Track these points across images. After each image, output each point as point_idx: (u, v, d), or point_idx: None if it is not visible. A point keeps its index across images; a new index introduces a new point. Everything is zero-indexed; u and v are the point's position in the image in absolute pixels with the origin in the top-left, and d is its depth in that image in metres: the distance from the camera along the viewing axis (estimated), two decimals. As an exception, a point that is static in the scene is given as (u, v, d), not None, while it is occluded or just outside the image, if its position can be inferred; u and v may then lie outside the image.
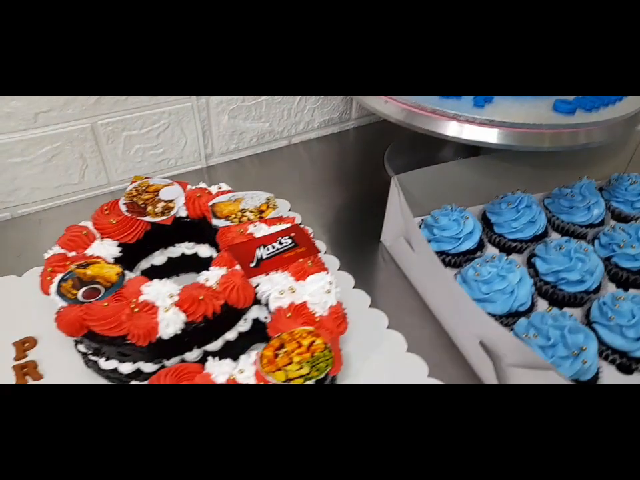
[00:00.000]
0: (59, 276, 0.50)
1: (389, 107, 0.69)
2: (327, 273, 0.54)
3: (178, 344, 0.49)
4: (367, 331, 0.60)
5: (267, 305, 0.53)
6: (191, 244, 0.64)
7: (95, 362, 0.52)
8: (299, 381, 0.43)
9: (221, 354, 0.50)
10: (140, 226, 0.58)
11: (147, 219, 0.58)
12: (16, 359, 0.55)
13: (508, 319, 0.60)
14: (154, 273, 0.60)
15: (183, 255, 0.64)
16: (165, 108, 0.79)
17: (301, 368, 0.44)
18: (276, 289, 0.52)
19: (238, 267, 0.53)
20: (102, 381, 0.54)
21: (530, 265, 0.67)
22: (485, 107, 0.64)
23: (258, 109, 0.88)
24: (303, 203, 0.81)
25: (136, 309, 0.47)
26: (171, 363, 0.51)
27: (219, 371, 0.44)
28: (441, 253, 0.68)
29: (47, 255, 0.53)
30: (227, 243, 0.56)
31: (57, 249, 0.54)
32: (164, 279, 0.51)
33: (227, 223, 0.59)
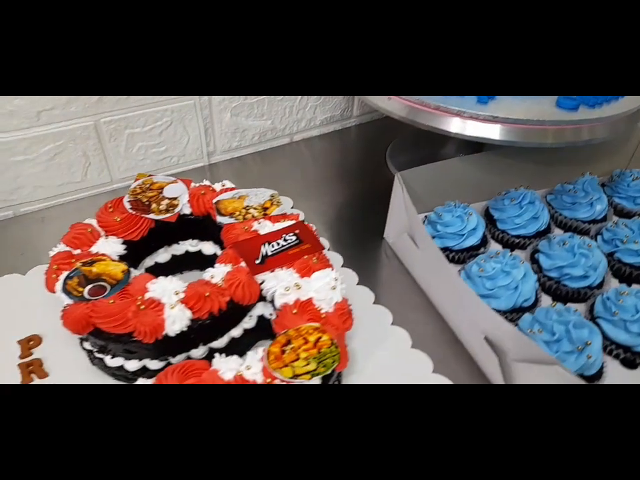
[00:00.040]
0: (65, 273, 0.50)
1: (392, 103, 0.69)
2: (332, 269, 0.54)
3: (184, 341, 0.49)
4: (372, 328, 0.60)
5: (272, 301, 0.53)
6: (195, 241, 0.64)
7: (101, 359, 0.52)
8: (306, 377, 0.43)
9: (226, 351, 0.50)
10: (144, 223, 0.58)
11: (151, 216, 0.58)
12: (21, 357, 0.55)
13: (512, 314, 0.60)
14: (158, 271, 0.60)
15: (186, 252, 0.64)
16: (167, 106, 0.79)
17: (307, 364, 0.44)
18: (281, 285, 0.52)
19: (243, 263, 0.53)
20: (107, 378, 0.54)
21: (533, 260, 0.67)
22: (488, 103, 0.64)
23: (260, 107, 0.88)
24: (304, 200, 0.81)
25: (142, 306, 0.47)
26: (177, 360, 0.51)
27: (226, 367, 0.44)
28: (444, 249, 0.69)
29: (52, 253, 0.53)
30: (232, 240, 0.56)
31: (61, 247, 0.54)
32: (169, 276, 0.51)
33: (232, 220, 0.59)
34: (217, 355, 0.47)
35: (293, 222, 0.59)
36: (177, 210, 0.60)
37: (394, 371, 0.56)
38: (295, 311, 0.49)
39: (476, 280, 0.62)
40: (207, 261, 0.61)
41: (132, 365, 0.51)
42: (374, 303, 0.64)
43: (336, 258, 0.70)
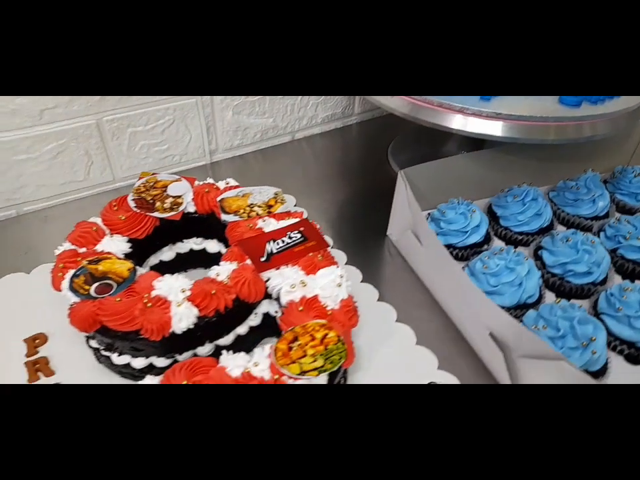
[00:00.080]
0: (71, 272, 0.50)
1: (394, 100, 0.69)
2: (337, 266, 0.54)
3: (190, 338, 0.49)
4: (376, 325, 0.60)
5: (277, 299, 0.53)
6: (199, 239, 0.64)
7: (108, 357, 0.52)
8: (313, 374, 0.43)
9: (232, 348, 0.50)
10: (149, 222, 0.58)
11: (156, 214, 0.58)
12: (27, 355, 0.55)
13: (516, 311, 0.60)
14: (162, 269, 0.59)
15: (191, 250, 0.64)
16: (169, 104, 0.79)
17: (315, 360, 0.44)
18: (287, 282, 0.52)
19: (248, 261, 0.53)
20: (114, 376, 0.54)
21: (537, 257, 0.68)
22: (491, 100, 0.64)
23: (262, 105, 0.88)
24: (306, 198, 0.81)
25: (149, 304, 0.47)
26: (183, 357, 0.51)
27: (234, 364, 0.44)
28: (447, 247, 0.68)
29: (57, 252, 0.53)
30: (237, 238, 0.57)
31: (67, 245, 0.54)
32: (175, 274, 0.51)
33: (236, 218, 0.59)
34: (223, 352, 0.47)
35: (298, 219, 0.59)
36: (181, 208, 0.60)
37: (399, 367, 0.56)
38: (300, 308, 0.49)
39: (480, 277, 0.62)
40: (211, 259, 0.62)
41: (139, 363, 0.51)
42: (378, 300, 0.64)
43: (340, 256, 0.70)
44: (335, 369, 0.44)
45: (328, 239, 0.72)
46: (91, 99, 0.71)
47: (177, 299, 0.48)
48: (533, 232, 0.71)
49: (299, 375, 0.43)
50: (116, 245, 0.55)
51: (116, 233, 0.57)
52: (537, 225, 0.71)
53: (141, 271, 0.52)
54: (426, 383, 0.54)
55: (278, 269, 0.54)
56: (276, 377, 0.43)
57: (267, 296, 0.54)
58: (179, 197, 0.61)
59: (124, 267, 0.51)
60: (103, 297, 0.48)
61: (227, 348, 0.51)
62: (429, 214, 0.72)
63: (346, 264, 0.69)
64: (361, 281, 0.67)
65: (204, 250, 0.64)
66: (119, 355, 0.51)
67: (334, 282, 0.52)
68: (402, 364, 0.57)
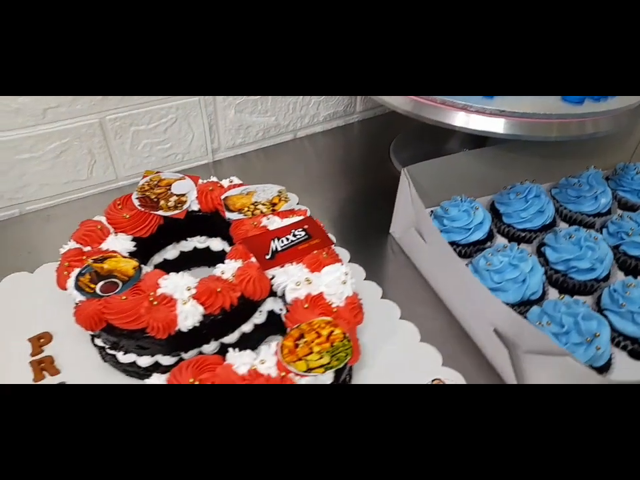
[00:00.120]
0: (76, 270, 0.50)
1: (397, 98, 0.69)
2: (342, 264, 0.54)
3: (196, 336, 0.50)
4: (381, 322, 0.60)
5: (282, 296, 0.53)
6: (203, 238, 0.64)
7: (113, 356, 0.52)
8: (319, 371, 0.43)
9: (237, 346, 0.50)
10: (153, 220, 0.58)
11: (160, 213, 0.59)
12: (32, 354, 0.55)
13: (520, 307, 0.60)
14: (166, 267, 0.59)
15: (195, 248, 0.64)
16: (172, 103, 0.79)
17: (321, 357, 0.44)
18: (292, 280, 0.52)
19: (253, 259, 0.53)
20: (119, 374, 0.54)
21: (540, 254, 0.68)
22: (493, 97, 0.64)
23: (264, 103, 0.88)
24: (308, 196, 0.81)
25: (155, 302, 0.47)
26: (189, 355, 0.51)
27: (240, 362, 0.44)
28: (450, 244, 0.68)
29: (62, 250, 0.53)
30: (241, 236, 0.57)
31: (72, 244, 0.54)
32: (181, 272, 0.52)
33: (240, 216, 0.59)
34: (230, 350, 0.47)
35: (302, 217, 0.59)
36: (185, 206, 0.60)
37: (404, 365, 0.57)
38: (306, 306, 0.49)
39: (483, 273, 0.62)
40: (215, 257, 0.62)
41: (144, 361, 0.51)
42: (381, 297, 0.64)
43: (343, 253, 0.70)
44: (341, 365, 0.44)
45: (331, 237, 0.72)
46: (93, 98, 0.71)
47: (183, 297, 0.48)
48: (535, 229, 0.72)
49: (305, 372, 0.43)
50: (120, 243, 0.55)
51: (120, 232, 0.57)
52: (539, 221, 0.71)
53: (146, 269, 0.52)
54: (430, 380, 0.55)
55: (283, 266, 0.54)
56: (282, 374, 0.43)
57: (272, 294, 0.54)
58: (183, 195, 0.61)
59: (129, 265, 0.51)
60: (108, 296, 0.48)
61: (232, 346, 0.51)
62: (431, 211, 0.73)
63: (349, 262, 0.69)
64: (365, 279, 0.67)
65: (208, 248, 0.64)
66: (125, 354, 0.51)
67: (339, 279, 0.52)
68: (406, 361, 0.57)
